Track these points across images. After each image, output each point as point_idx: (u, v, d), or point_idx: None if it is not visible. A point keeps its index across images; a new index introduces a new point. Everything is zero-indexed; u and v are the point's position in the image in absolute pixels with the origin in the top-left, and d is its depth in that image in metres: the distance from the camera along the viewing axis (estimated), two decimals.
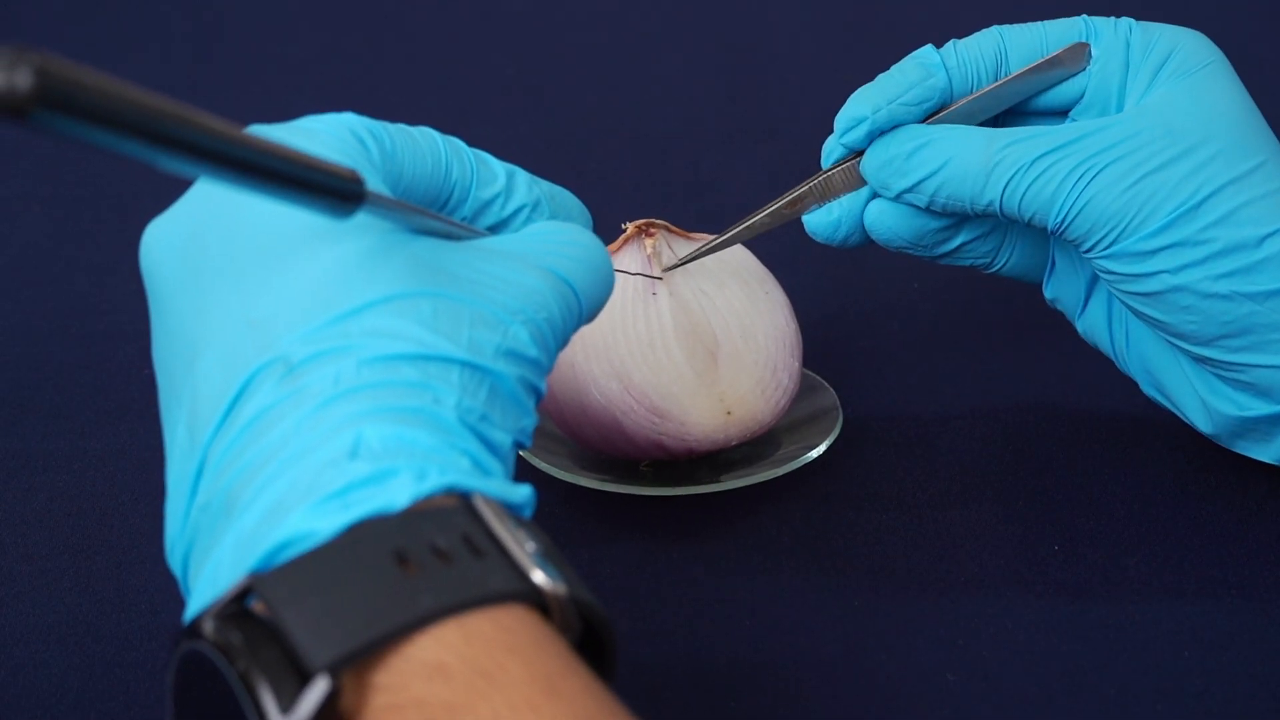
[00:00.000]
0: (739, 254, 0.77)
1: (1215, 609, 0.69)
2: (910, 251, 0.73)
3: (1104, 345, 0.75)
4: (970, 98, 0.71)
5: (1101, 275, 0.70)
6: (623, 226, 0.76)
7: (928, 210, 0.71)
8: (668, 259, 0.75)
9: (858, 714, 0.65)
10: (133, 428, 0.81)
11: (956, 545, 0.73)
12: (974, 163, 0.69)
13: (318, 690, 0.45)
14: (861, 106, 0.71)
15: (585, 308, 0.57)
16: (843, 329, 0.87)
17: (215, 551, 0.49)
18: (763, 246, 0.78)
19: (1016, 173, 0.68)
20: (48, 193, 1.01)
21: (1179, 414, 0.73)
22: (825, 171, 0.73)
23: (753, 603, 0.70)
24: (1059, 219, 0.68)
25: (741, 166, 1.02)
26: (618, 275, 0.74)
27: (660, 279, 0.75)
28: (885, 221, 0.72)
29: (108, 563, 0.72)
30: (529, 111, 1.10)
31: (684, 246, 0.76)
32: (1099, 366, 0.82)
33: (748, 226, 0.74)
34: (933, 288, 0.90)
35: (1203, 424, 0.72)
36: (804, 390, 0.78)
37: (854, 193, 0.73)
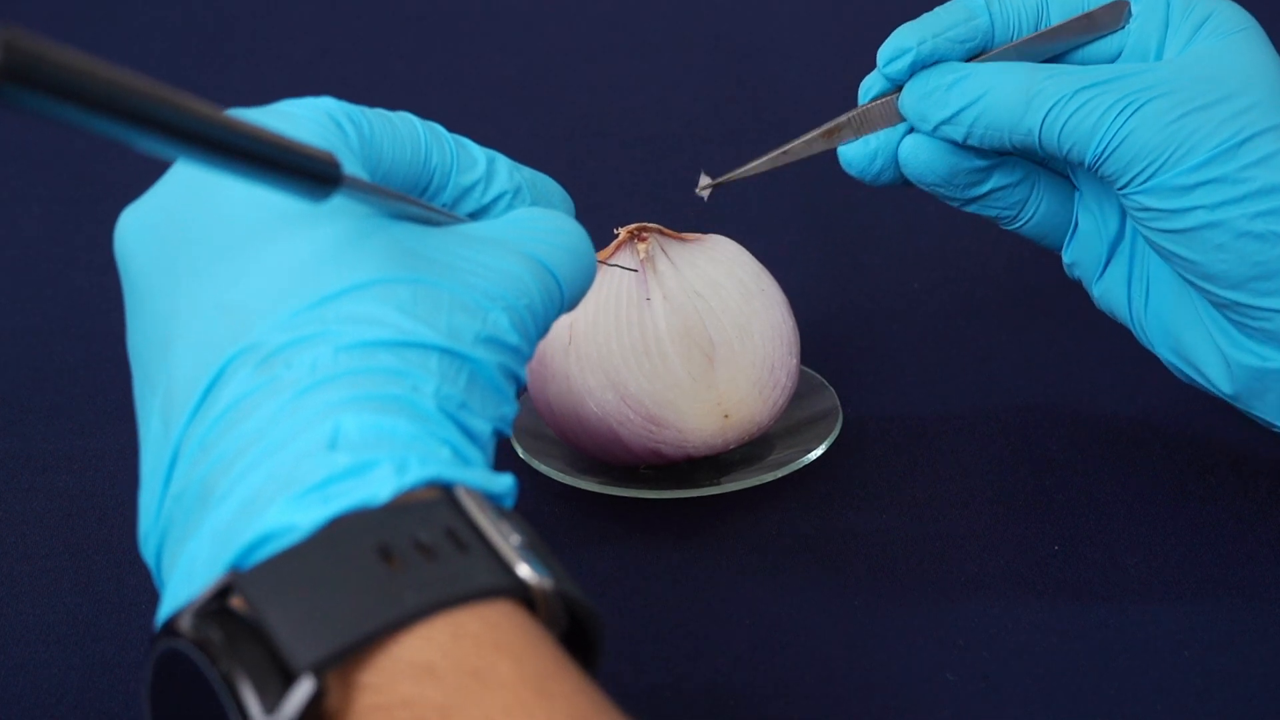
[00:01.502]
0: (734, 251, 0.76)
1: (1215, 609, 0.69)
2: (940, 191, 0.73)
3: (1121, 311, 0.75)
4: (1009, 45, 0.71)
5: (1134, 214, 0.69)
6: (615, 232, 0.76)
7: (964, 146, 0.71)
8: (661, 263, 0.75)
9: (858, 714, 0.65)
10: (133, 428, 0.80)
11: (956, 545, 0.72)
12: (1014, 91, 0.69)
13: (302, 690, 0.45)
14: (906, 39, 0.71)
15: (567, 295, 0.57)
16: (843, 329, 0.87)
17: (190, 543, 0.48)
18: (761, 245, 0.78)
19: (1058, 102, 0.68)
20: (47, 192, 1.01)
21: (1198, 376, 0.73)
22: (864, 106, 0.73)
23: (753, 603, 0.70)
24: (1098, 150, 0.68)
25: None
26: (611, 281, 0.74)
27: (646, 276, 0.74)
28: (920, 156, 0.72)
29: (108, 563, 0.72)
30: (528, 112, 1.10)
31: (678, 249, 0.75)
32: (1100, 367, 0.82)
33: (784, 152, 0.73)
34: (933, 288, 0.90)
35: (1223, 382, 0.72)
36: (804, 391, 0.78)
37: (890, 128, 0.73)
